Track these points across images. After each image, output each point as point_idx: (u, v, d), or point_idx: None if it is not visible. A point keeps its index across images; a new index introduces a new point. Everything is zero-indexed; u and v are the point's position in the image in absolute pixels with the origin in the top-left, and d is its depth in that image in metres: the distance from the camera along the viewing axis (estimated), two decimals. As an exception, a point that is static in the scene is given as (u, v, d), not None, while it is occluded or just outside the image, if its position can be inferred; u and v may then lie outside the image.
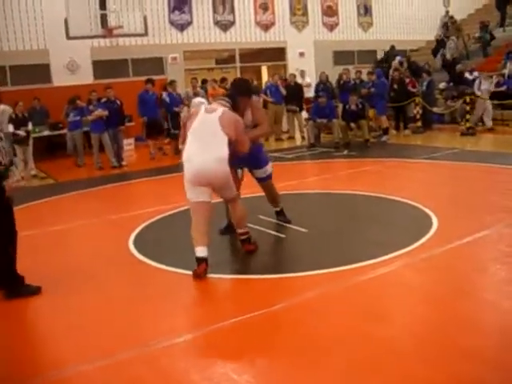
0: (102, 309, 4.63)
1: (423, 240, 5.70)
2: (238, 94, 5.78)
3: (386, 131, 14.13)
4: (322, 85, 15.63)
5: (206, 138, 5.23)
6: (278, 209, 6.80)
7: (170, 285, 5.07)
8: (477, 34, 19.00)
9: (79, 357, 3.79)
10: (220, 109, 5.36)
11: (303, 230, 6.37)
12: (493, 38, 18.32)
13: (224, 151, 5.23)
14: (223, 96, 5.84)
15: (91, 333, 4.18)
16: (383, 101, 14.24)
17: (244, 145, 5.57)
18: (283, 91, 15.43)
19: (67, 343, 4.04)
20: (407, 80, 15.10)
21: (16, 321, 4.58)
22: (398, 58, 16.97)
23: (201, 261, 5.12)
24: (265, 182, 6.56)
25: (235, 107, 5.59)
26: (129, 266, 5.62)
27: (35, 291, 5.02)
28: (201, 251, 5.16)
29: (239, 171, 6.24)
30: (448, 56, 17.75)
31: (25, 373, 3.67)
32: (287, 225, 6.56)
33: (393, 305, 4.37)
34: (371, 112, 14.09)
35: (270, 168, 6.52)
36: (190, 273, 5.14)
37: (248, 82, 6.38)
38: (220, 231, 6.38)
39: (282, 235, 6.21)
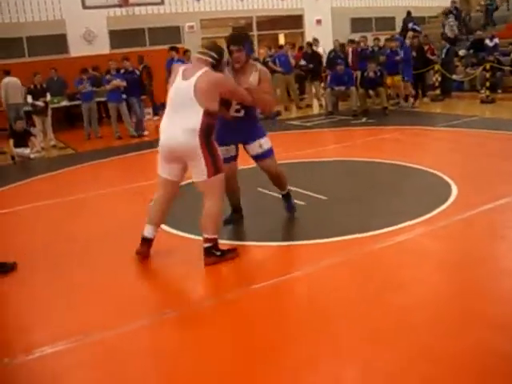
0: (121, 273, 4.73)
1: (442, 208, 5.69)
2: (232, 43, 5.00)
3: (415, 97, 14.15)
4: (334, 53, 15.47)
5: (177, 107, 4.61)
6: (284, 192, 5.89)
7: (188, 251, 5.12)
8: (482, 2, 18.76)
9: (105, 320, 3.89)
10: (199, 72, 4.55)
11: (322, 197, 6.40)
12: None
13: (195, 121, 4.50)
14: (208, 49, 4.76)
15: (111, 296, 4.27)
16: (410, 67, 14.06)
17: (245, 99, 5.01)
18: (292, 61, 15.28)
19: (98, 302, 4.14)
20: (426, 47, 14.91)
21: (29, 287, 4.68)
22: (410, 25, 16.75)
23: (143, 241, 4.90)
24: (261, 160, 5.51)
25: (219, 64, 4.75)
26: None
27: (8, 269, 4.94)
28: (146, 230, 4.91)
29: (232, 147, 5.46)
30: (449, 34, 17.46)
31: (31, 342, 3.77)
32: (307, 192, 6.56)
33: (410, 273, 4.38)
34: (389, 79, 13.96)
35: (266, 142, 5.50)
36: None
37: (245, 33, 5.36)
38: (225, 221, 5.60)
39: (302, 203, 6.22)
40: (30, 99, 12.40)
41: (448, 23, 17.81)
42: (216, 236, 4.73)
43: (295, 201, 6.11)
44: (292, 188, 6.63)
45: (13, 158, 11.01)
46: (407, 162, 7.66)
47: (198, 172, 4.64)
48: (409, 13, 18.76)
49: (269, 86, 5.32)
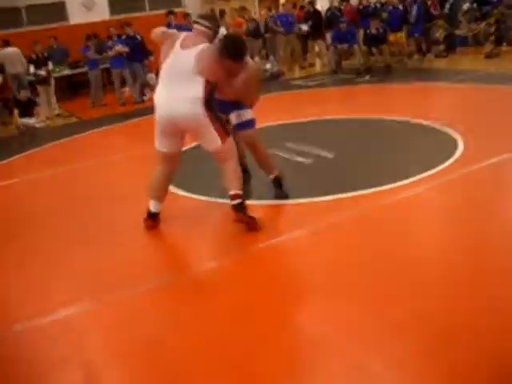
0: (134, 235, 4.81)
1: (448, 162, 5.69)
2: (227, 56, 4.44)
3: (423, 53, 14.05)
4: (330, 11, 15.30)
5: (176, 77, 4.43)
6: (272, 176, 5.37)
7: (198, 212, 5.21)
8: None
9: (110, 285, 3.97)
10: (200, 45, 4.44)
11: (328, 155, 6.42)
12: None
13: (197, 90, 4.36)
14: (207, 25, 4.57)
15: (132, 260, 4.36)
16: (420, 23, 13.89)
17: (224, 90, 4.64)
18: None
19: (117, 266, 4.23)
20: (429, 2, 14.72)
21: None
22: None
23: (149, 215, 4.89)
24: (240, 130, 5.26)
25: (213, 39, 4.65)
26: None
27: None
28: (152, 205, 4.89)
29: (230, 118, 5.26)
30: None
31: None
32: (313, 151, 6.58)
33: (417, 227, 4.44)
34: (392, 36, 13.81)
35: (247, 113, 5.21)
36: (219, 200, 5.28)
37: (243, 44, 4.69)
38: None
39: (308, 161, 6.26)
40: (32, 69, 12.37)
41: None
42: (241, 193, 4.65)
43: (302, 159, 6.15)
44: (298, 147, 6.68)
45: (18, 127, 11.03)
46: (412, 118, 7.64)
47: (210, 140, 4.55)
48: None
49: (253, 83, 4.89)
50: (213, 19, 4.75)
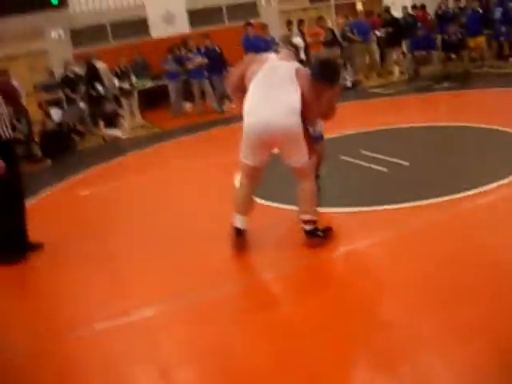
0: (217, 243, 4.97)
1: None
2: (324, 80, 4.34)
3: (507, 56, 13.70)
4: (404, 20, 15.14)
5: (275, 85, 4.32)
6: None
7: (273, 219, 5.36)
8: None
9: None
10: (295, 63, 4.56)
11: (405, 163, 6.44)
12: None
13: (296, 100, 4.26)
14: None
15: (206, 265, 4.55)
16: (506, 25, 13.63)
17: (311, 112, 4.43)
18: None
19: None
20: (510, 4, 14.37)
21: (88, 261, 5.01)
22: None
23: (238, 233, 4.63)
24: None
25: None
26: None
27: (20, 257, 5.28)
28: (239, 221, 4.63)
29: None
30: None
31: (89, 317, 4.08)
32: (389, 159, 6.60)
33: (494, 235, 4.38)
34: (472, 41, 13.59)
35: (320, 126, 5.41)
36: (292, 207, 5.38)
37: (338, 67, 4.70)
38: None
39: (384, 169, 6.30)
40: (117, 82, 12.92)
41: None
42: (316, 218, 4.53)
43: (378, 167, 6.21)
44: (374, 155, 6.73)
45: (104, 138, 11.58)
46: (491, 125, 7.52)
47: (299, 154, 4.41)
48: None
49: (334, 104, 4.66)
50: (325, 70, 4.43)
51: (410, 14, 15.30)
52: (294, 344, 3.26)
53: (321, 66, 4.37)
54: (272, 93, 4.29)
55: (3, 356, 3.61)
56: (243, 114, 4.43)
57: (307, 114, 4.37)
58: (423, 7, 15.88)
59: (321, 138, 5.38)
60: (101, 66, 13.19)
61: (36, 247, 5.51)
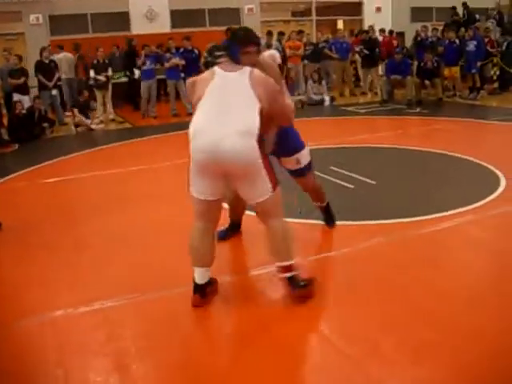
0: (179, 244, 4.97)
1: (489, 198, 5.74)
2: (239, 43, 3.73)
3: (479, 89, 13.95)
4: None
5: (227, 102, 3.51)
6: (322, 205, 5.04)
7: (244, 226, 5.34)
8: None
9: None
10: (246, 67, 3.61)
11: (371, 181, 6.55)
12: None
13: (253, 121, 3.47)
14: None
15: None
16: (479, 59, 13.90)
17: (284, 115, 3.97)
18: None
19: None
20: (486, 39, 14.73)
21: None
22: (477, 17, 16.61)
23: (196, 289, 3.77)
24: (299, 176, 4.67)
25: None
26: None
27: None
28: (198, 275, 3.76)
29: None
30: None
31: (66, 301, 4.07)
32: (356, 176, 6.71)
33: (453, 257, 4.51)
34: (447, 70, 13.87)
35: (305, 156, 4.56)
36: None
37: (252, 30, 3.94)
38: (219, 236, 4.48)
39: (351, 186, 6.40)
40: (92, 73, 12.85)
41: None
42: (293, 262, 3.74)
43: (345, 183, 6.30)
44: (342, 171, 6.83)
45: (77, 126, 11.56)
46: (458, 153, 7.69)
47: (258, 188, 3.58)
48: (465, 4, 18.44)
49: (278, 76, 4.05)
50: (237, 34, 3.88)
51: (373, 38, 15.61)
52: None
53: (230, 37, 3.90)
54: (221, 112, 3.48)
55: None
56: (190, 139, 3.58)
57: (266, 127, 3.71)
58: (391, 32, 16.27)
59: (310, 168, 4.66)
60: (64, 55, 13.26)
61: None
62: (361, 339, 3.29)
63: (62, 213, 6.13)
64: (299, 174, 4.62)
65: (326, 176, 6.70)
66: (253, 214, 4.29)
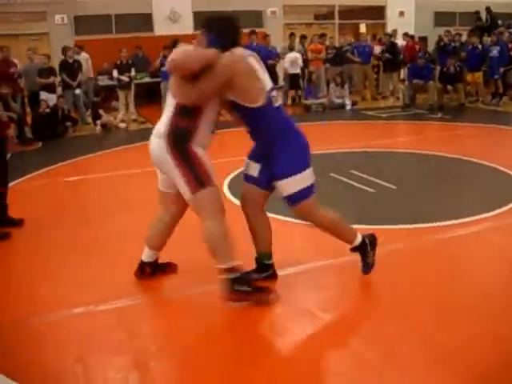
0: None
1: (511, 205, 5.73)
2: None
3: (501, 95, 13.81)
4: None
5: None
6: (353, 245, 4.05)
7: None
8: None
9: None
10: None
11: (392, 186, 6.54)
12: None
13: (164, 120, 3.64)
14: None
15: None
16: (502, 64, 13.77)
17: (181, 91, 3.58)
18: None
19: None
20: (510, 45, 14.61)
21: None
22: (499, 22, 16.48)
23: (142, 265, 4.16)
24: (290, 206, 3.83)
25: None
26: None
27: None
28: (145, 254, 4.16)
29: (253, 165, 3.90)
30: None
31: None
32: (377, 180, 6.70)
33: (473, 264, 4.48)
34: (469, 76, 13.80)
35: (293, 183, 3.69)
36: (279, 217, 5.37)
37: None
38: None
39: (372, 190, 6.40)
40: (115, 73, 12.97)
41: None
42: (231, 264, 3.62)
43: (365, 187, 6.30)
44: (363, 175, 6.82)
45: (103, 125, 11.73)
46: (479, 159, 7.66)
47: (181, 188, 3.66)
48: (488, 9, 18.28)
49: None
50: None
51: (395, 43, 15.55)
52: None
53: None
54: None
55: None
56: None
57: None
58: (412, 37, 16.19)
59: (309, 193, 3.78)
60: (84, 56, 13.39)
61: (17, 223, 5.64)
62: (380, 345, 3.29)
63: (80, 211, 6.19)
64: (288, 203, 3.80)
65: (346, 179, 6.73)
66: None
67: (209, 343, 3.43)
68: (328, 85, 14.68)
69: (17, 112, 10.05)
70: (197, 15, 16.88)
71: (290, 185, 3.67)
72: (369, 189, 6.44)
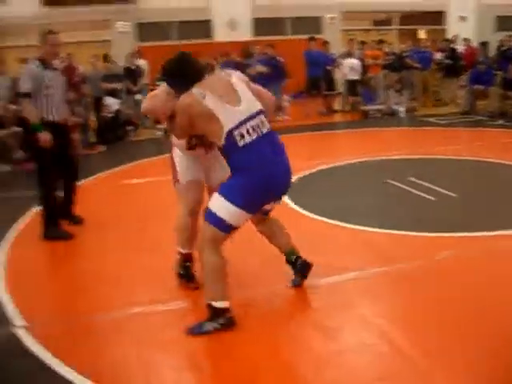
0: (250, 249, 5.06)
1: None
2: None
3: None
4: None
5: None
6: (214, 305, 3.64)
7: (316, 232, 5.43)
8: None
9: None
10: None
11: (452, 194, 6.47)
12: None
13: None
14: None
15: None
16: None
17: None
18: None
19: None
20: None
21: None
22: None
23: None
24: (204, 219, 3.67)
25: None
26: (281, 212, 5.92)
27: (65, 236, 5.61)
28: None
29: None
30: None
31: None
32: (437, 188, 6.63)
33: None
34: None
35: (222, 208, 3.55)
36: (338, 223, 5.53)
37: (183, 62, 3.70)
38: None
39: (432, 198, 6.35)
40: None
41: None
42: (182, 251, 4.31)
43: (424, 195, 6.29)
44: (422, 183, 6.77)
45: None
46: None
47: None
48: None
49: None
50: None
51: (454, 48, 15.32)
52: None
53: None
54: None
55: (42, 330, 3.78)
56: None
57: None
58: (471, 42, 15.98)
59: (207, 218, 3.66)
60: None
61: (77, 220, 6.03)
62: (432, 351, 3.29)
63: (141, 213, 6.35)
64: (207, 219, 3.64)
65: (405, 186, 6.70)
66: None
67: (269, 351, 3.49)
68: (386, 91, 14.57)
69: (81, 117, 10.36)
70: (256, 22, 17.09)
71: (214, 201, 3.61)
72: (429, 196, 6.38)
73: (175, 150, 4.25)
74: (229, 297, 3.63)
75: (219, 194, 3.57)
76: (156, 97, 3.91)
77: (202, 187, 4.33)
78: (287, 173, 3.72)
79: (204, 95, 3.47)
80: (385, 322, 3.68)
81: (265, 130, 3.61)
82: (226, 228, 3.57)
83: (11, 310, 4.08)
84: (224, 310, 3.60)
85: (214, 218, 3.55)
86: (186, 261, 4.32)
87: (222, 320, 3.58)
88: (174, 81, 3.69)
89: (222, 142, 3.50)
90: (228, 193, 3.54)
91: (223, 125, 3.46)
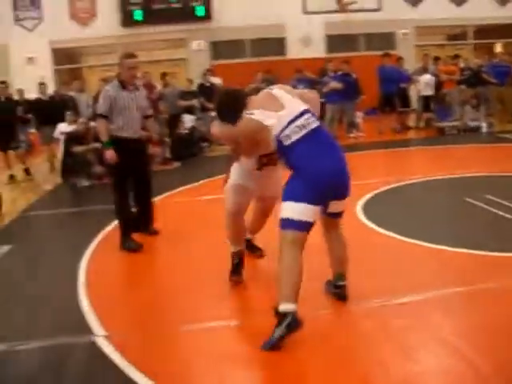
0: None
1: None
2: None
3: None
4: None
5: None
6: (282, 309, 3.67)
7: (393, 250, 5.40)
8: None
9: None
10: None
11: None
12: None
13: None
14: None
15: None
16: None
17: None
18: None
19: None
20: None
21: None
22: None
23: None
24: (280, 228, 3.83)
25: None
26: (356, 229, 5.87)
27: (135, 248, 5.82)
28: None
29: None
30: None
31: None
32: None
33: None
34: None
35: (292, 210, 3.78)
36: (413, 241, 5.48)
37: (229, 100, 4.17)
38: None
39: (508, 216, 6.18)
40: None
41: None
42: (235, 250, 4.83)
43: (504, 213, 6.14)
44: (501, 201, 6.60)
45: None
46: None
47: None
48: None
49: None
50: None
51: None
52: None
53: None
54: None
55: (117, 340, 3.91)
56: None
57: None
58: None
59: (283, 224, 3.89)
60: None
61: (155, 233, 6.33)
62: (493, 355, 3.27)
63: (211, 228, 6.33)
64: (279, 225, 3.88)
65: (482, 204, 6.55)
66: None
67: (345, 371, 3.50)
68: (463, 107, 14.28)
69: (157, 133, 10.63)
70: (329, 38, 17.13)
71: (282, 208, 3.85)
72: (507, 215, 6.23)
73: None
74: (296, 300, 3.66)
75: (283, 200, 3.84)
76: (219, 129, 4.31)
77: (249, 194, 4.75)
78: (337, 168, 3.88)
79: (252, 113, 3.88)
80: (464, 344, 3.60)
81: (312, 127, 3.87)
82: (301, 226, 3.76)
83: (92, 319, 4.25)
84: (289, 313, 3.60)
85: (287, 222, 3.77)
86: (237, 257, 4.80)
87: (287, 321, 3.58)
88: (224, 118, 4.17)
89: (275, 145, 3.88)
90: (289, 194, 3.82)
91: (271, 130, 3.83)
